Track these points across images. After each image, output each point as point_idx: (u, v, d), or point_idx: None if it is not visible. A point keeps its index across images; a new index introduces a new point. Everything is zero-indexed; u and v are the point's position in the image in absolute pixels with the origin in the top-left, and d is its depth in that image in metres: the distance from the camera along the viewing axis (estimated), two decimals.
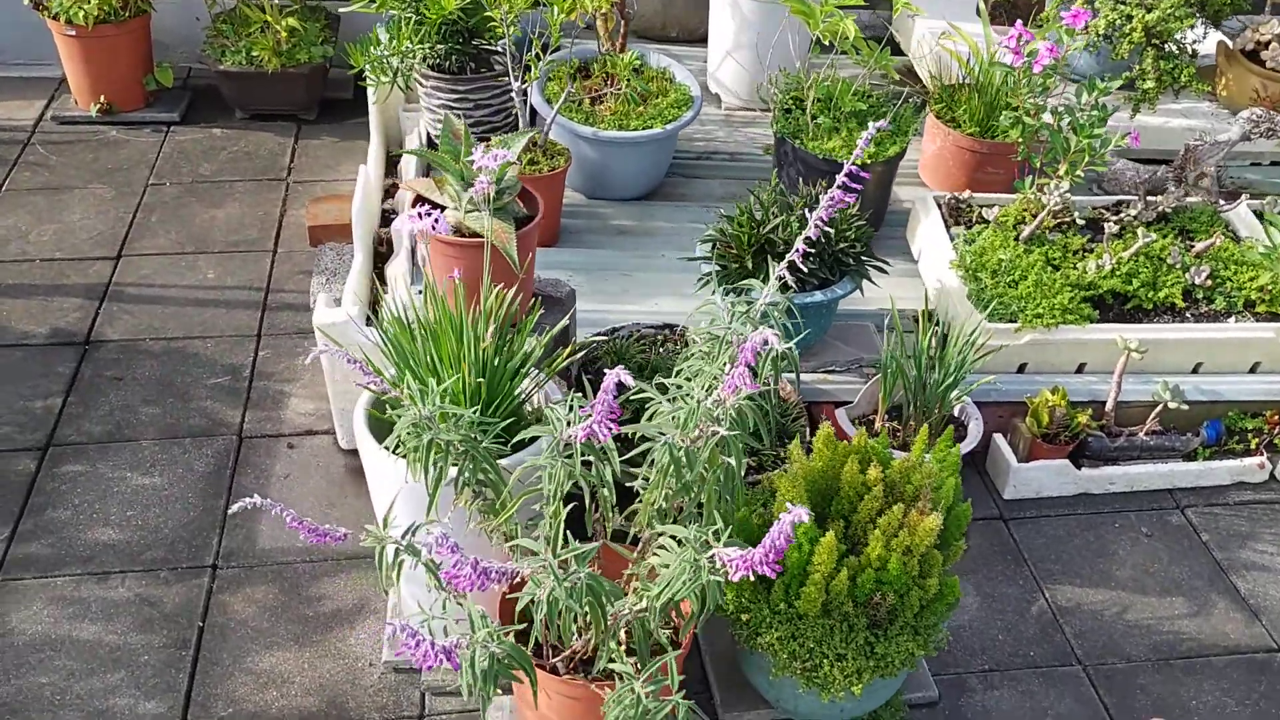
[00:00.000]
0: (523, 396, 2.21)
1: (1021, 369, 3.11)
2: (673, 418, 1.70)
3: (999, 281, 3.09)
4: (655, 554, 1.83)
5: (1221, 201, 3.50)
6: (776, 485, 2.22)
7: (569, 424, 1.74)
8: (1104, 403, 3.05)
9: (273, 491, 2.87)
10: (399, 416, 1.84)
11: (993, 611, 2.73)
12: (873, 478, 2.19)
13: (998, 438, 3.04)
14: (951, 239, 3.25)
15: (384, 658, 2.49)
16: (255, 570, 2.69)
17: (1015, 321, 3.01)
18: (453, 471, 1.92)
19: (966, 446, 2.79)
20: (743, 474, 1.72)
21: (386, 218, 3.71)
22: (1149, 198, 3.45)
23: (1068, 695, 2.56)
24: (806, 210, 2.83)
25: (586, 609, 1.67)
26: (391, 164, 3.91)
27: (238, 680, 2.44)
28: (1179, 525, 3.01)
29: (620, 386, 1.56)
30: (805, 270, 2.81)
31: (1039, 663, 2.63)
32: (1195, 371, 3.17)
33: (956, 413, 2.92)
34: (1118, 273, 3.15)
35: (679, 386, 1.75)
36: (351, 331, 2.73)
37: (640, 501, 1.88)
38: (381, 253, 3.52)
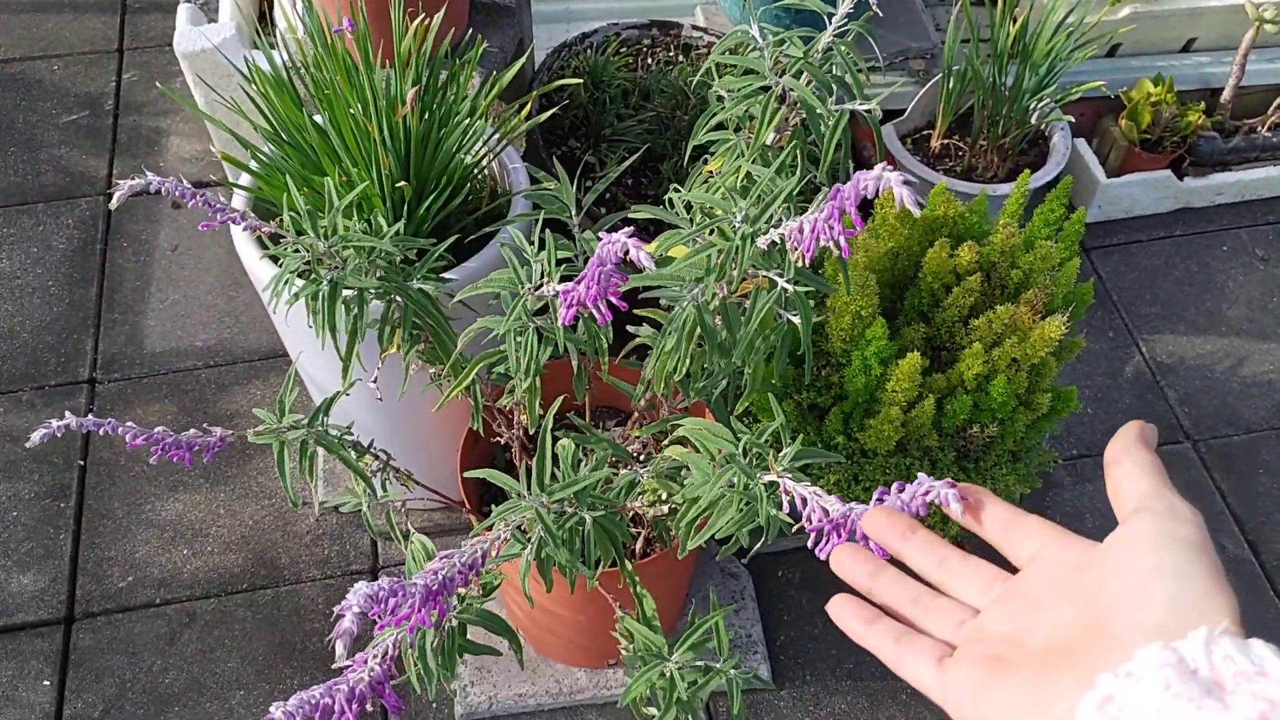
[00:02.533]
0: (468, 171, 1.54)
1: (1112, 52, 2.41)
2: (706, 258, 1.06)
3: None
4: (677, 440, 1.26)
5: None
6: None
7: (541, 273, 1.10)
8: (1217, 90, 2.38)
9: (158, 271, 2.22)
10: (282, 251, 1.21)
11: (1077, 376, 2.19)
12: (966, 261, 1.57)
13: (1080, 145, 2.39)
14: None
15: (319, 495, 1.96)
16: (145, 382, 2.08)
17: None
18: (376, 308, 1.30)
19: (1054, 169, 2.14)
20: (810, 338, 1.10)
21: None
22: None
23: (1174, 482, 2.05)
24: None
25: (598, 556, 1.10)
26: None
27: (136, 537, 1.91)
28: None
29: (627, 225, 0.92)
30: None
31: None
32: None
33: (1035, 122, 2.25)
34: None
35: (706, 208, 1.09)
36: (229, 58, 1.99)
37: (650, 355, 1.27)
38: None
